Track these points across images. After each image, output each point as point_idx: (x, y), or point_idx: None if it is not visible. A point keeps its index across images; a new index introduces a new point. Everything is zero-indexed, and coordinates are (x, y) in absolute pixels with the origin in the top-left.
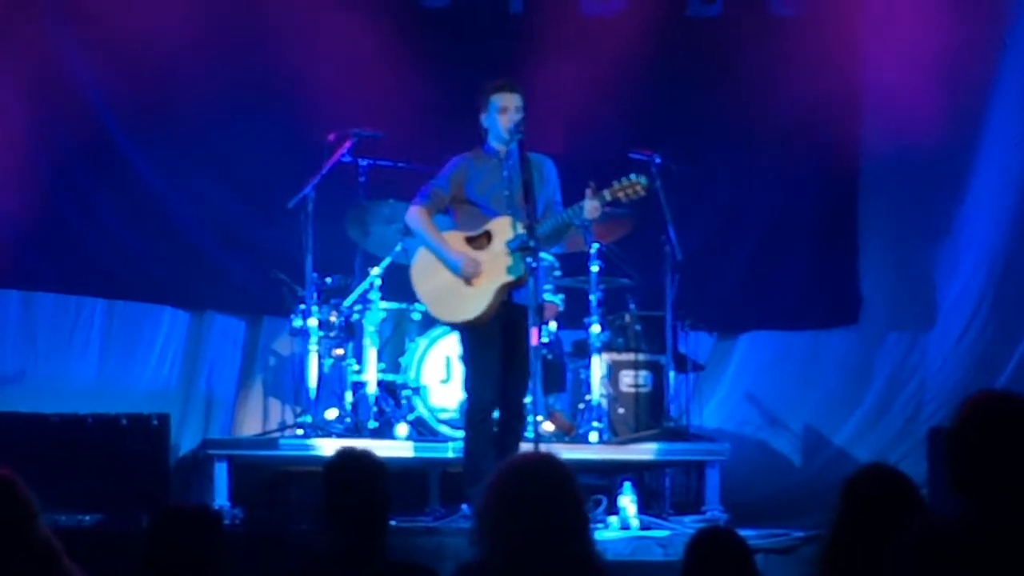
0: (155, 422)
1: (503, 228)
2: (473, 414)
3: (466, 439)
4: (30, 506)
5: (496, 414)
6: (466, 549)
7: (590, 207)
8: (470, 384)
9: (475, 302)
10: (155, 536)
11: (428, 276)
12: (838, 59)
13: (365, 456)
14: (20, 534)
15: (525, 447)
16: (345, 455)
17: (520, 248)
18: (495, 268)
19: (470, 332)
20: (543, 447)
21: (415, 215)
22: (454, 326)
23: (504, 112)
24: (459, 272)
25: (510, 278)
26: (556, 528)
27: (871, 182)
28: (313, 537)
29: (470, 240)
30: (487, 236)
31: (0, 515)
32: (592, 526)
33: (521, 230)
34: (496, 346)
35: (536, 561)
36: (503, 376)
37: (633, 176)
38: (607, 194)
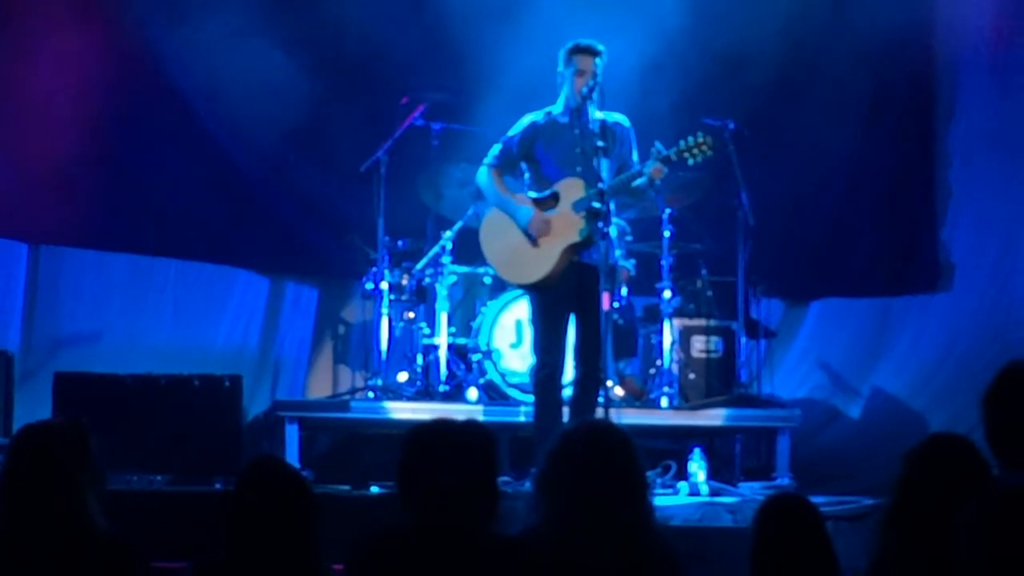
0: (227, 384)
1: (570, 189)
2: (539, 373)
3: (535, 402)
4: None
5: (566, 376)
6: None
7: (653, 168)
8: (536, 344)
9: (542, 263)
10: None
11: (496, 237)
12: (912, 13)
13: (477, 426)
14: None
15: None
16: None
17: (587, 210)
18: (562, 228)
19: (539, 293)
20: (613, 412)
21: (484, 174)
22: (522, 287)
23: (581, 75)
24: (527, 225)
25: (577, 238)
26: (610, 496)
27: (958, 147)
28: (384, 499)
29: (537, 202)
30: (554, 197)
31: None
32: (651, 493)
33: (589, 190)
34: (566, 308)
35: (590, 527)
36: (577, 338)
37: (700, 135)
38: (673, 154)
